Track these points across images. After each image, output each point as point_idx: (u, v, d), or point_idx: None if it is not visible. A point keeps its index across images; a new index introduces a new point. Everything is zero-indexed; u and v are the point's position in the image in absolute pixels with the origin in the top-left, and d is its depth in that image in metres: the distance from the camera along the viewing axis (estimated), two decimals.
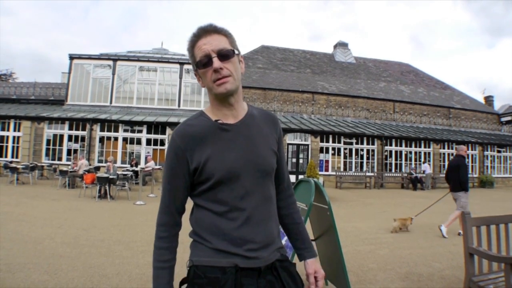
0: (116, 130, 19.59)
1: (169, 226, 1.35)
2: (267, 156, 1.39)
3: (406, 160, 22.41)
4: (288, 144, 20.38)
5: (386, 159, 21.89)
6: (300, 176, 17.82)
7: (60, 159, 19.30)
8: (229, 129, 1.34)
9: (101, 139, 19.69)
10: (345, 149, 21.47)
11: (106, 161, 15.93)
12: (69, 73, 22.22)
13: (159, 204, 1.37)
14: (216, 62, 1.26)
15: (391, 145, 22.05)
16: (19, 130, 19.40)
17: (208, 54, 1.27)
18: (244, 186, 1.31)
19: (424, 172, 19.93)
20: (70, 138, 19.53)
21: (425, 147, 22.67)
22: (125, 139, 19.95)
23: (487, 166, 23.95)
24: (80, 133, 19.41)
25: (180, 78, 22.64)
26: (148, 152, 19.43)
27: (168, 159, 1.34)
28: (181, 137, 1.31)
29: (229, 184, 1.29)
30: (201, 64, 1.29)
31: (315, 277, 1.48)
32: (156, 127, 19.74)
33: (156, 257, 1.33)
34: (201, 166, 1.28)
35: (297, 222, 1.58)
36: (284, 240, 3.56)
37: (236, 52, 1.33)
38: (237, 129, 1.35)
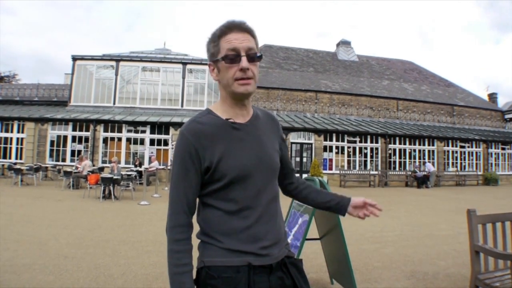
0: (120, 131, 19.62)
1: (185, 227, 1.29)
2: (273, 155, 1.41)
3: (410, 158, 22.34)
4: (292, 143, 20.35)
5: (390, 157, 21.80)
6: (304, 175, 17.81)
7: (64, 160, 19.36)
8: (240, 128, 1.34)
9: (105, 140, 19.72)
10: (348, 147, 21.43)
11: (110, 162, 15.97)
12: (72, 74, 22.26)
13: (170, 205, 1.31)
14: (245, 62, 1.26)
15: (394, 143, 21.98)
16: (22, 132, 19.49)
17: (238, 50, 1.27)
18: (256, 185, 1.31)
19: (428, 171, 19.89)
20: (73, 139, 19.59)
21: (429, 145, 22.58)
22: (128, 140, 19.98)
23: (491, 164, 23.80)
24: (83, 134, 19.47)
25: (183, 78, 22.66)
26: (152, 152, 19.47)
27: (179, 157, 1.29)
28: (193, 135, 1.28)
29: (241, 183, 1.29)
30: (228, 58, 1.28)
31: (370, 204, 1.56)
32: (160, 127, 19.77)
33: (175, 262, 1.25)
34: (214, 165, 1.27)
35: (319, 190, 1.65)
36: (290, 239, 3.57)
37: (261, 56, 1.34)
38: (247, 128, 1.36)
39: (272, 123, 1.50)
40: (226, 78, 1.30)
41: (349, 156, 21.49)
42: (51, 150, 19.49)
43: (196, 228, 1.38)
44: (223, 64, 1.29)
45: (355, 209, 1.57)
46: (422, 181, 19.48)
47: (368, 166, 21.47)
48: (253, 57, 1.29)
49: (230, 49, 1.27)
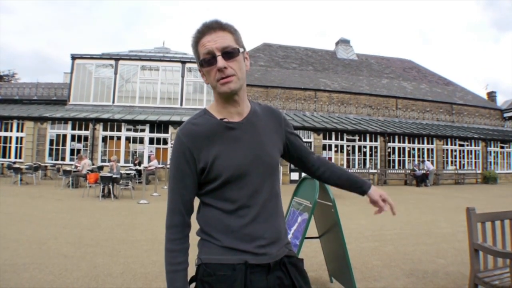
0: (119, 130, 19.61)
1: (180, 227, 1.32)
2: (272, 152, 1.40)
3: (409, 156, 22.36)
4: None
5: (389, 155, 21.84)
6: (303, 174, 17.81)
7: (63, 159, 19.34)
8: (235, 127, 1.33)
9: (104, 139, 19.71)
10: (348, 146, 21.45)
11: (109, 161, 15.98)
12: (71, 73, 22.26)
13: (167, 205, 1.35)
14: (220, 61, 1.24)
15: (394, 141, 22.00)
16: (22, 131, 19.47)
17: (212, 52, 1.25)
18: (253, 183, 1.31)
19: (428, 169, 19.93)
20: (73, 138, 19.56)
21: (428, 143, 22.62)
22: (128, 138, 19.98)
23: (490, 162, 23.84)
24: (83, 132, 19.45)
25: (182, 77, 22.65)
26: (151, 151, 19.46)
27: (175, 159, 1.32)
28: (188, 136, 1.29)
29: (237, 183, 1.29)
30: (205, 62, 1.28)
31: (383, 200, 1.55)
32: (159, 126, 19.76)
33: (169, 260, 1.29)
34: (209, 166, 1.27)
35: (340, 172, 1.65)
36: (289, 238, 3.57)
37: (241, 49, 1.31)
38: (243, 127, 1.35)
39: (273, 117, 1.48)
40: (211, 81, 1.30)
41: (348, 154, 21.50)
42: (51, 149, 19.47)
43: (197, 226, 1.39)
44: (204, 69, 1.30)
45: (372, 202, 1.59)
46: (421, 180, 19.52)
47: (367, 165, 21.50)
48: (230, 54, 1.27)
49: (205, 53, 1.27)
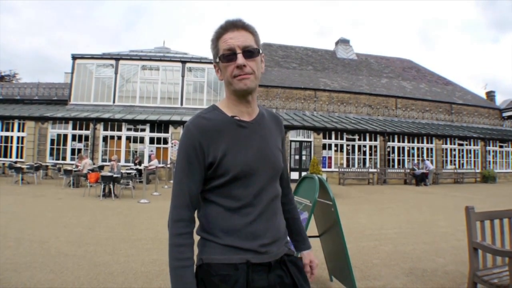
0: (119, 129, 19.60)
1: (187, 222, 1.28)
2: (277, 156, 1.42)
3: (408, 156, 22.37)
4: (291, 141, 20.35)
5: (388, 155, 21.85)
6: (303, 173, 17.82)
7: (64, 158, 19.32)
8: (246, 126, 1.35)
9: (105, 138, 19.70)
10: (347, 145, 21.44)
11: (110, 160, 16.00)
12: (72, 73, 22.26)
13: (173, 199, 1.31)
14: (241, 59, 1.26)
15: (393, 141, 22.01)
16: (23, 131, 19.46)
17: (233, 49, 1.27)
18: (259, 182, 1.32)
19: (427, 168, 19.96)
20: (74, 137, 19.56)
21: (427, 143, 22.63)
22: (128, 138, 19.97)
23: (489, 161, 23.83)
24: (83, 132, 19.45)
25: (182, 76, 22.64)
26: (152, 151, 19.48)
27: (184, 151, 1.30)
28: (199, 129, 1.28)
29: (244, 181, 1.29)
30: (224, 58, 1.29)
31: (311, 266, 1.57)
32: (159, 125, 19.75)
33: (176, 256, 1.24)
34: (218, 161, 1.27)
35: (296, 217, 1.64)
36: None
37: (260, 51, 1.34)
38: (253, 127, 1.36)
39: (276, 124, 1.51)
40: (227, 77, 1.31)
41: (348, 154, 21.50)
42: (52, 149, 19.46)
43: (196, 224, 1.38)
44: (222, 64, 1.31)
45: (303, 258, 1.59)
46: (420, 179, 19.55)
47: (367, 164, 21.50)
48: (250, 53, 1.29)
49: (226, 49, 1.28)
